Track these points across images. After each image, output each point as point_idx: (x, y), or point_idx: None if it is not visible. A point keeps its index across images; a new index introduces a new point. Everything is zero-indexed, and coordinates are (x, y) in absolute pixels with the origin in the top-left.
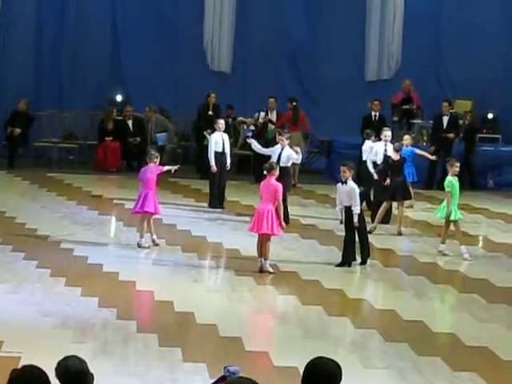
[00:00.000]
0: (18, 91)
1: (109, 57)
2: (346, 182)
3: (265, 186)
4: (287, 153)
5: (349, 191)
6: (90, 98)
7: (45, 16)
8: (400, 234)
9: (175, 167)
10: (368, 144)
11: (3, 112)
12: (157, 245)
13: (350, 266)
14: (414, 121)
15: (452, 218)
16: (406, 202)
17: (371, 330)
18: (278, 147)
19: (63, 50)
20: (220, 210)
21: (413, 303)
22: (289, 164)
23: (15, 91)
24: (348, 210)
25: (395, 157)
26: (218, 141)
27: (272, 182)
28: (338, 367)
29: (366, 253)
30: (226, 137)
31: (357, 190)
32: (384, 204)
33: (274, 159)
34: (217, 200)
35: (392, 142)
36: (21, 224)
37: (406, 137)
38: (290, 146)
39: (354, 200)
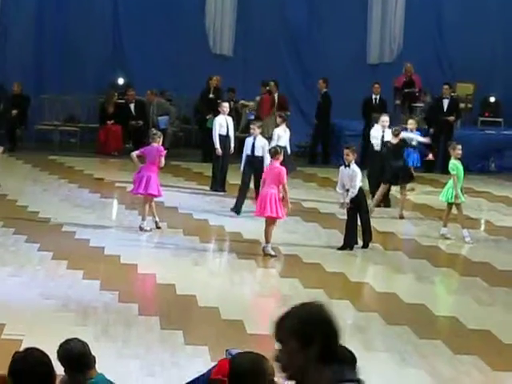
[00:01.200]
0: (19, 75)
1: (110, 40)
2: (349, 165)
3: (268, 169)
4: (261, 143)
5: (351, 174)
6: (91, 82)
7: (46, 1)
8: (402, 217)
9: None
10: (377, 128)
11: (9, 96)
12: (159, 228)
13: (351, 249)
14: (416, 104)
15: (455, 200)
16: (408, 185)
17: (372, 313)
18: (249, 138)
19: (65, 33)
20: (222, 193)
21: (414, 286)
22: (261, 153)
23: (17, 75)
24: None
25: (394, 141)
26: (223, 124)
27: (276, 165)
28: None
29: (367, 236)
30: (230, 120)
31: (359, 173)
32: (382, 187)
33: (247, 151)
34: (218, 183)
35: (390, 126)
36: (22, 207)
37: (411, 121)
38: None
39: (353, 182)
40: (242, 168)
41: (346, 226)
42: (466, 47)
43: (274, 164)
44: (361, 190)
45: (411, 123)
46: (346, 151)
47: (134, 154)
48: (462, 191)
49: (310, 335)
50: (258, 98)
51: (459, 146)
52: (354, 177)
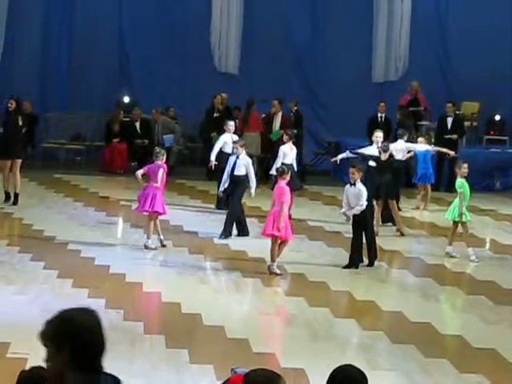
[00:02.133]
0: (25, 93)
1: (116, 58)
2: (354, 184)
3: (275, 189)
4: (243, 161)
5: (357, 193)
6: (97, 100)
7: (52, 17)
8: (403, 234)
9: None
10: (401, 143)
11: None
12: (164, 246)
13: (357, 267)
14: (422, 122)
15: (461, 219)
16: (417, 203)
17: (378, 332)
18: (232, 156)
19: (70, 52)
20: (227, 211)
21: (420, 305)
22: (241, 172)
23: (22, 93)
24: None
25: (383, 157)
26: (228, 142)
27: (281, 185)
28: (364, 377)
29: (373, 255)
30: (235, 138)
31: (365, 191)
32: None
33: (228, 170)
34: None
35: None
36: (28, 225)
37: (421, 139)
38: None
39: (360, 201)
40: (221, 188)
41: (351, 244)
42: (471, 66)
43: (280, 183)
44: (367, 207)
45: (421, 141)
46: (351, 170)
47: (139, 172)
48: (467, 210)
49: (60, 341)
50: (263, 116)
51: (465, 165)
52: (360, 195)
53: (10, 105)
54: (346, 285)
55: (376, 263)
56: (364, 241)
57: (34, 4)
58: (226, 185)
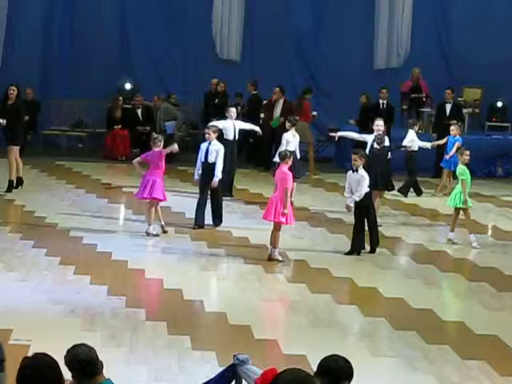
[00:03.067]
0: (26, 79)
1: (118, 45)
2: (356, 170)
3: (277, 173)
4: (216, 147)
5: (359, 179)
6: (99, 86)
7: (53, 4)
8: None
9: (174, 148)
10: (412, 134)
11: None
12: (165, 232)
13: (359, 254)
14: (423, 109)
15: (463, 205)
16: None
17: (380, 319)
18: (204, 143)
19: (72, 39)
20: (229, 197)
21: (422, 291)
22: (217, 159)
23: (24, 79)
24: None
25: (377, 146)
26: (230, 128)
27: (283, 169)
28: (348, 365)
29: (375, 241)
30: (237, 124)
31: (367, 178)
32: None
33: (201, 158)
34: (226, 188)
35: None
36: (30, 212)
37: (453, 127)
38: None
39: (360, 187)
40: (195, 176)
41: (353, 230)
42: (473, 52)
43: (282, 168)
44: (368, 194)
45: (453, 129)
46: (353, 156)
47: (136, 161)
48: (469, 196)
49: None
50: (264, 103)
51: (467, 152)
52: (361, 181)
53: (11, 91)
54: (348, 271)
55: (378, 250)
56: (366, 227)
57: None
58: (200, 172)
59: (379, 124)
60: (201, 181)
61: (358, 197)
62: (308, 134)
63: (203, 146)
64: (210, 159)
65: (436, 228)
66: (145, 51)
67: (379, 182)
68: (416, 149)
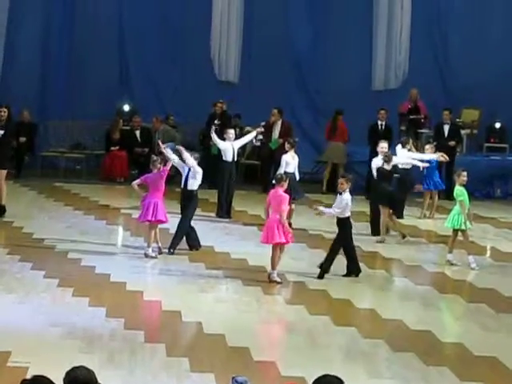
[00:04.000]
0: (24, 101)
1: (117, 66)
2: (341, 194)
3: (273, 196)
4: (196, 171)
5: (339, 201)
6: (97, 108)
7: (51, 25)
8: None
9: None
10: (403, 152)
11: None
12: (161, 253)
13: (356, 276)
14: (422, 130)
15: (462, 227)
16: (424, 211)
17: (378, 340)
18: (186, 168)
19: (70, 60)
20: (227, 219)
21: (420, 313)
22: (194, 187)
23: (22, 101)
24: (338, 220)
25: (387, 167)
26: (229, 150)
27: (280, 192)
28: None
29: (353, 266)
30: (236, 145)
31: (344, 201)
32: (383, 212)
33: (183, 175)
34: (224, 210)
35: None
36: (28, 234)
37: (427, 146)
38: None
39: (336, 205)
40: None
41: (345, 254)
42: (471, 74)
43: (278, 191)
44: (348, 219)
45: (427, 148)
46: (340, 180)
47: (135, 183)
48: (468, 217)
49: None
50: (262, 124)
51: (464, 173)
52: (341, 202)
53: (2, 113)
54: (347, 293)
55: (376, 271)
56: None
57: (34, 12)
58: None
59: (383, 146)
60: (181, 207)
61: (330, 211)
62: (343, 155)
63: (185, 170)
64: (190, 187)
65: (434, 249)
66: (143, 73)
67: (384, 201)
68: (409, 167)
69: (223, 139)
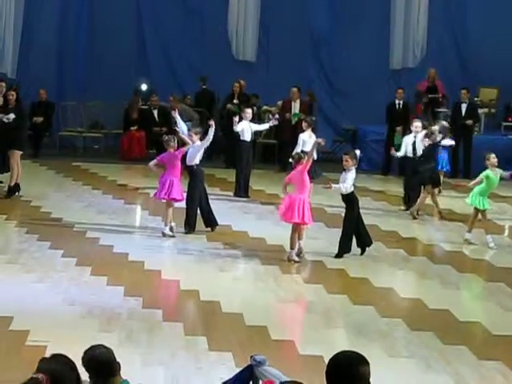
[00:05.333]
0: (42, 81)
1: (134, 46)
2: (345, 171)
3: (294, 175)
4: (195, 150)
5: (343, 177)
6: (115, 88)
7: (69, 5)
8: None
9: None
10: (410, 135)
11: (29, 103)
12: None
13: (368, 246)
14: (440, 109)
15: (481, 207)
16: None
17: (396, 319)
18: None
19: (88, 40)
20: (245, 198)
21: (439, 292)
22: (195, 162)
23: (40, 81)
24: (344, 197)
25: (426, 143)
26: (247, 129)
27: (301, 171)
28: (355, 359)
29: (341, 247)
30: (253, 126)
31: (348, 178)
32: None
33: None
34: (242, 189)
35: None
36: (46, 213)
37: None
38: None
39: (342, 182)
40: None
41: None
42: (489, 52)
43: (298, 169)
44: (352, 194)
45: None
46: (344, 157)
47: (152, 164)
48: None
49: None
50: (279, 103)
51: (493, 155)
52: (343, 180)
53: (10, 96)
54: (365, 272)
55: (395, 250)
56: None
57: None
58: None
59: (417, 125)
60: (188, 186)
61: (335, 188)
62: None
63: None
64: (189, 162)
65: (453, 228)
66: (161, 52)
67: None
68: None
69: (240, 118)
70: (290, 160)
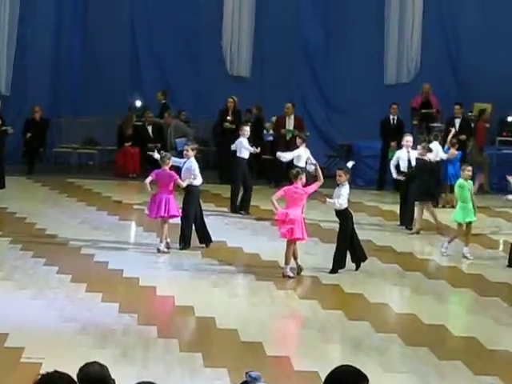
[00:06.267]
0: (36, 98)
1: (128, 62)
2: (339, 186)
3: (291, 192)
4: (189, 165)
5: (338, 194)
6: (109, 104)
7: (64, 21)
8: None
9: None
10: (435, 145)
11: (23, 119)
12: (169, 248)
13: (363, 261)
14: (434, 124)
15: (460, 220)
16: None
17: (392, 334)
18: (183, 160)
19: (82, 56)
20: (244, 214)
21: (434, 307)
22: (194, 181)
23: (34, 98)
24: (338, 212)
25: (432, 157)
26: (245, 146)
27: (299, 188)
28: (357, 375)
29: (336, 263)
30: (245, 141)
31: (342, 195)
32: (418, 206)
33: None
34: (238, 205)
35: (413, 147)
36: (41, 230)
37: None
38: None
39: (336, 198)
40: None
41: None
42: (483, 67)
43: (297, 186)
44: (346, 210)
45: (408, 140)
46: (338, 172)
47: (147, 181)
48: (474, 210)
49: None
50: (273, 119)
51: (469, 168)
52: (336, 196)
53: None
54: (360, 287)
55: (390, 265)
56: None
57: (46, 8)
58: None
59: (409, 139)
60: (183, 202)
61: (330, 203)
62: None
63: (182, 162)
64: (184, 177)
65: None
66: (155, 68)
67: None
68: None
69: (238, 135)
70: (291, 177)
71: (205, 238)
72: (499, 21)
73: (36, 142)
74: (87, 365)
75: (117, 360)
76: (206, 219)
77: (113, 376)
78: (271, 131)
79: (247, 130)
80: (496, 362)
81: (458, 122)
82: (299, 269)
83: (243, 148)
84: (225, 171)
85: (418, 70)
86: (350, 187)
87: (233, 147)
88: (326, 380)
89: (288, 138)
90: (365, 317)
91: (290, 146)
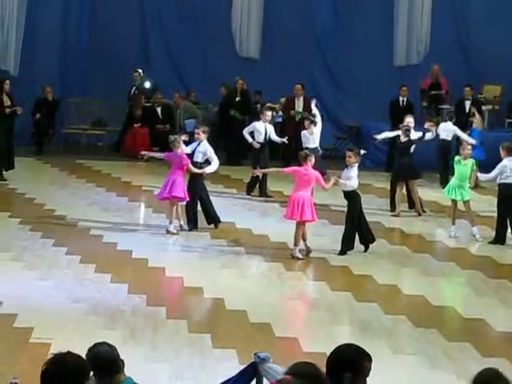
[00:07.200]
0: (45, 79)
1: (137, 43)
2: (348, 167)
3: (300, 174)
4: (203, 148)
5: (346, 174)
6: (118, 85)
7: (72, 2)
8: (420, 214)
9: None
10: (449, 125)
11: (32, 100)
12: (182, 230)
13: (371, 243)
14: (443, 106)
15: (452, 197)
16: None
17: (400, 316)
18: (193, 144)
19: (91, 37)
20: (249, 196)
21: (442, 289)
22: (207, 169)
23: (43, 79)
24: (346, 194)
25: (403, 139)
26: (261, 131)
27: (309, 170)
28: (360, 353)
29: (345, 246)
30: (269, 128)
31: (352, 177)
32: (398, 188)
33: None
34: (262, 189)
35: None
36: (50, 211)
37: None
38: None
39: (346, 178)
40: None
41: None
42: (493, 49)
43: (306, 168)
44: (355, 197)
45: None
46: (348, 153)
47: (153, 154)
48: (464, 189)
49: None
50: (282, 100)
51: (469, 147)
52: (346, 177)
53: None
54: (368, 269)
55: (398, 247)
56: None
57: None
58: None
59: (410, 121)
60: (188, 183)
61: (339, 183)
62: None
63: (193, 145)
64: (195, 159)
65: (456, 224)
66: (164, 49)
67: (408, 173)
68: (443, 137)
69: (257, 118)
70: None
71: (212, 218)
72: (509, 2)
73: (45, 123)
74: (96, 345)
75: (126, 341)
76: (214, 200)
77: (122, 357)
78: (280, 112)
79: (269, 114)
80: (504, 344)
81: (467, 103)
82: (308, 250)
83: (256, 132)
84: (231, 152)
85: (428, 51)
86: (359, 169)
87: (245, 131)
88: (328, 358)
89: (297, 119)
90: (373, 298)
91: (299, 127)
